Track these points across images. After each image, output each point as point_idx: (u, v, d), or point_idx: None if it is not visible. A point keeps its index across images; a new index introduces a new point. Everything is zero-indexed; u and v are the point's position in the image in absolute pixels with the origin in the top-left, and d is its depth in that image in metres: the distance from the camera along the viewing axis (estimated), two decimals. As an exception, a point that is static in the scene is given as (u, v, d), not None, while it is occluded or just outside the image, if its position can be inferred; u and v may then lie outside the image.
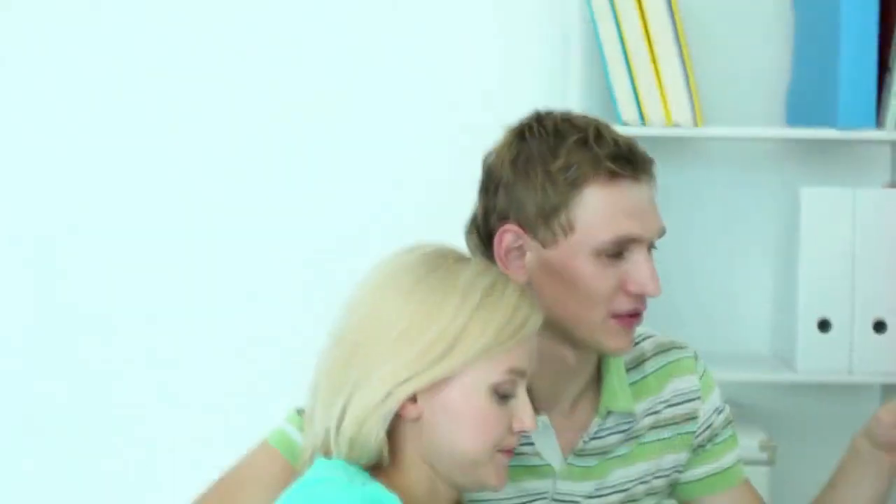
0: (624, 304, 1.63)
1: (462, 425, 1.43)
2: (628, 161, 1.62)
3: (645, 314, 1.68)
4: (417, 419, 1.44)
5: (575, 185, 1.61)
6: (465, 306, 1.43)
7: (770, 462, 2.66)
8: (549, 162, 1.62)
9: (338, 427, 1.42)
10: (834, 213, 2.74)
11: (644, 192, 1.64)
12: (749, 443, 2.65)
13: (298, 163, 2.96)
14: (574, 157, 1.61)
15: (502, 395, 1.45)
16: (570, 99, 2.67)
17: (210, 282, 2.97)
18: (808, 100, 2.84)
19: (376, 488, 1.37)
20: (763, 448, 2.65)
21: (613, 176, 1.61)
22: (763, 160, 2.98)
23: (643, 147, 1.68)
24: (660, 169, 2.93)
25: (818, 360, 2.74)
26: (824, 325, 2.74)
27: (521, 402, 1.47)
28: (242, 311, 2.97)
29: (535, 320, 1.48)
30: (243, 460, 1.67)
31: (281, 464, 1.64)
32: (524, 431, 1.48)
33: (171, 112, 2.96)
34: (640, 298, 1.64)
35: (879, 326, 2.74)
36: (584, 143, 1.62)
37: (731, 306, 3.00)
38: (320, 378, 1.48)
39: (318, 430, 1.46)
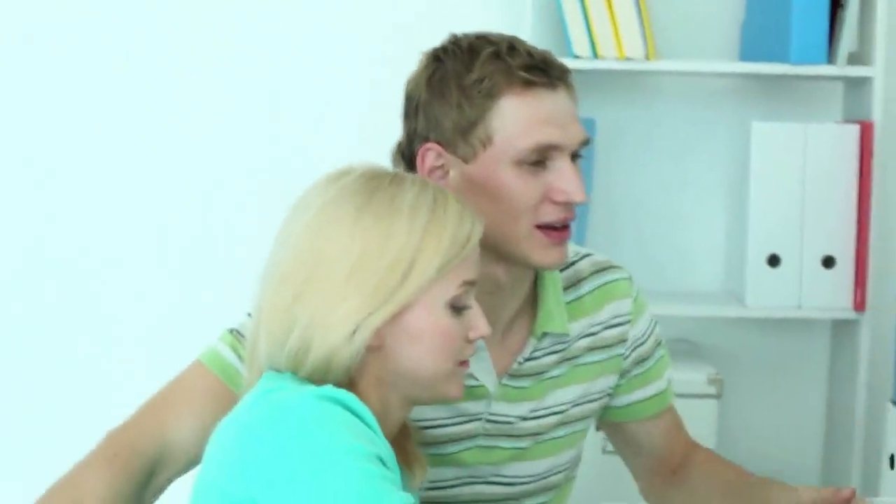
0: (550, 214, 1.63)
1: (425, 346, 1.44)
2: (542, 70, 1.62)
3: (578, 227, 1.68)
4: (379, 347, 1.44)
5: (490, 96, 1.61)
6: (414, 227, 1.42)
7: (717, 395, 2.68)
8: (463, 77, 1.62)
9: (300, 359, 1.42)
10: (785, 149, 2.74)
11: (562, 101, 1.64)
12: (697, 377, 2.67)
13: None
14: (487, 70, 1.61)
15: (458, 309, 1.46)
16: (523, 31, 2.65)
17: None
18: (761, 35, 2.83)
19: (333, 388, 1.38)
20: (711, 382, 2.67)
21: (528, 85, 1.61)
22: (716, 95, 2.97)
23: (560, 61, 1.67)
24: (611, 103, 2.97)
25: (767, 296, 2.76)
26: (774, 261, 2.75)
27: (475, 311, 1.48)
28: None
29: (479, 228, 1.48)
30: (175, 380, 1.68)
31: (212, 381, 1.64)
32: (480, 338, 1.49)
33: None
34: (568, 207, 1.64)
35: (828, 262, 2.75)
36: (496, 55, 1.62)
37: (683, 242, 3.00)
38: (262, 316, 1.46)
39: (262, 363, 1.46)
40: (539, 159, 1.61)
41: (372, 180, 1.46)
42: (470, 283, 1.46)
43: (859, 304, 2.75)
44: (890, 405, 2.15)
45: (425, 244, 1.43)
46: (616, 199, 2.96)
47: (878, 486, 2.16)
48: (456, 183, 1.63)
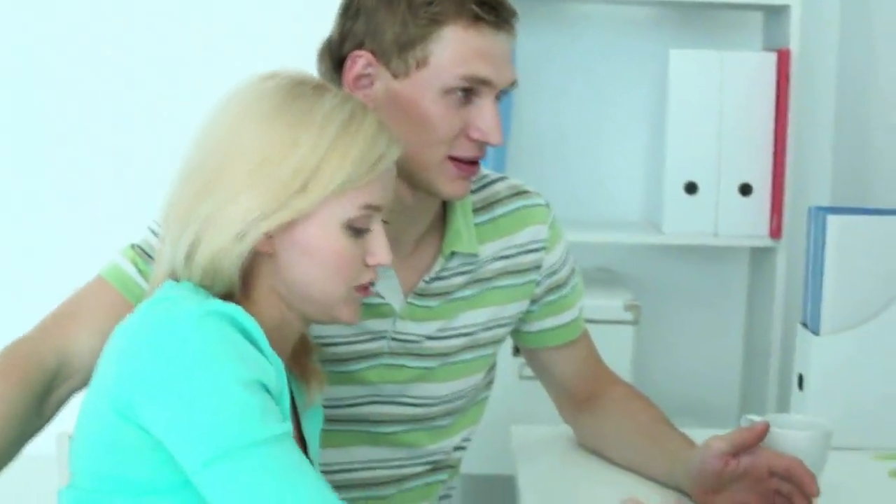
0: (464, 150, 1.63)
1: (317, 263, 1.42)
2: (493, 8, 1.62)
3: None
4: (271, 254, 1.43)
5: (436, 21, 1.60)
6: (322, 139, 1.40)
7: (634, 322, 2.69)
8: None
9: (189, 260, 1.41)
10: (702, 76, 2.75)
11: (502, 43, 1.64)
12: (615, 303, 2.68)
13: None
14: None
15: (357, 231, 1.44)
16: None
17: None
18: (680, -38, 2.83)
19: (220, 302, 1.37)
20: (627, 308, 2.68)
21: (476, 20, 1.61)
22: (636, 23, 2.97)
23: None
24: (531, 31, 2.95)
25: (685, 223, 2.77)
26: (691, 188, 2.77)
27: (376, 236, 1.46)
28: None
29: (393, 153, 1.46)
30: (75, 294, 1.66)
31: (113, 296, 1.63)
32: (380, 266, 1.47)
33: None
34: (481, 146, 1.64)
35: (745, 189, 2.77)
36: None
37: (602, 170, 3.01)
38: (170, 211, 1.44)
39: (166, 265, 1.45)
40: (466, 91, 1.61)
41: (295, 87, 1.44)
42: (374, 208, 1.44)
43: (775, 232, 2.77)
44: (800, 327, 2.17)
45: (330, 157, 1.40)
46: (536, 128, 2.96)
47: (789, 407, 2.19)
48: (379, 96, 1.62)
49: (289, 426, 1.32)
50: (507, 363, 2.57)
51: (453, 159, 1.63)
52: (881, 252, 2.09)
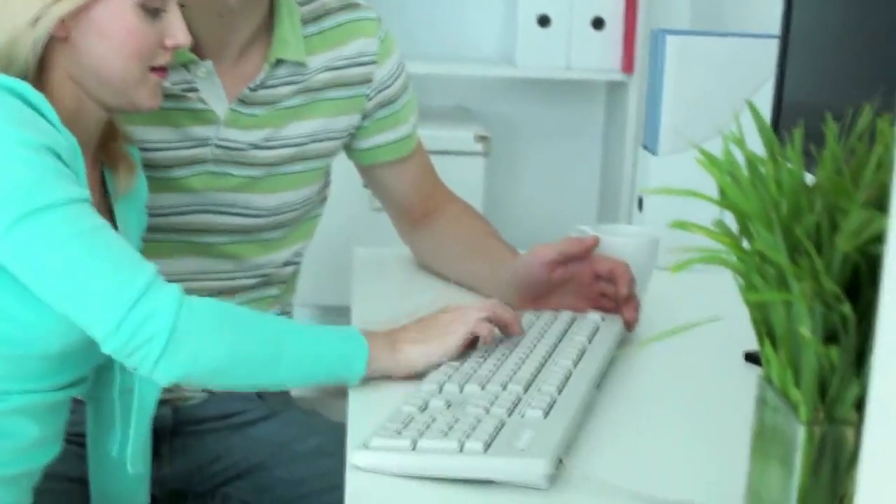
0: None
1: (111, 44, 1.42)
2: None
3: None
4: (66, 39, 1.42)
5: None
6: None
7: (485, 153, 2.71)
8: None
9: None
10: None
11: None
12: (465, 135, 2.69)
13: None
14: None
15: (152, 12, 1.43)
16: None
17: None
18: None
19: (5, 77, 1.35)
20: (478, 140, 2.69)
21: None
22: None
23: None
24: None
25: (537, 57, 2.78)
26: (544, 21, 2.77)
27: (173, 17, 1.46)
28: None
29: None
30: None
31: None
32: (178, 47, 1.47)
33: None
34: None
35: (598, 23, 2.77)
36: None
37: (460, 5, 3.00)
38: None
39: None
40: None
41: None
42: None
43: (627, 66, 2.79)
44: (641, 149, 2.20)
45: None
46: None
47: (632, 229, 2.23)
48: None
49: (86, 192, 1.32)
50: (360, 195, 2.57)
51: None
52: (720, 74, 2.12)
